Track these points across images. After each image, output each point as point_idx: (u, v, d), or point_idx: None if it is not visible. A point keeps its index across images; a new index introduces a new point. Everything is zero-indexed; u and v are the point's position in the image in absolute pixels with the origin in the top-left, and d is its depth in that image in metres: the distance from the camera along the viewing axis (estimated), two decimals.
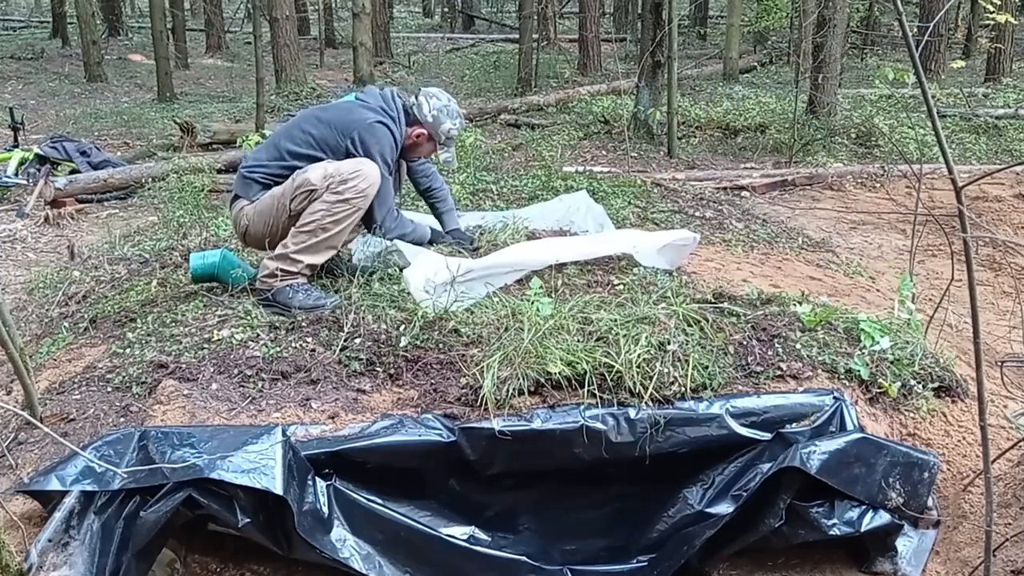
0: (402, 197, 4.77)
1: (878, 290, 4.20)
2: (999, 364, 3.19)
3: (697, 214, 4.80)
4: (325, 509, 2.46)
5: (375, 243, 3.43)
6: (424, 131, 3.42)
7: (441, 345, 2.86)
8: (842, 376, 2.81)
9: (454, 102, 3.50)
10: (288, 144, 3.25)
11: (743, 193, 6.24)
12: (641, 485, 2.74)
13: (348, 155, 3.20)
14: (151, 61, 13.19)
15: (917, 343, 2.96)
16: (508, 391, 2.62)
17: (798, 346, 2.90)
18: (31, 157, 7.13)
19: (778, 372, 2.79)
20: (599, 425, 2.61)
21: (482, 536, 2.70)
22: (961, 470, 2.73)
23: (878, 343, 2.91)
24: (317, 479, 2.47)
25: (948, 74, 11.91)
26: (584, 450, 2.61)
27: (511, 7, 24.23)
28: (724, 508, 2.60)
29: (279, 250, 3.14)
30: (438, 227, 3.74)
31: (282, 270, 3.11)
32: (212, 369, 2.77)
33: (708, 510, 2.64)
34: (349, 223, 3.13)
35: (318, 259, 3.16)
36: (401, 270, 3.28)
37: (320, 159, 3.19)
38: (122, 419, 2.59)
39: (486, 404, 2.60)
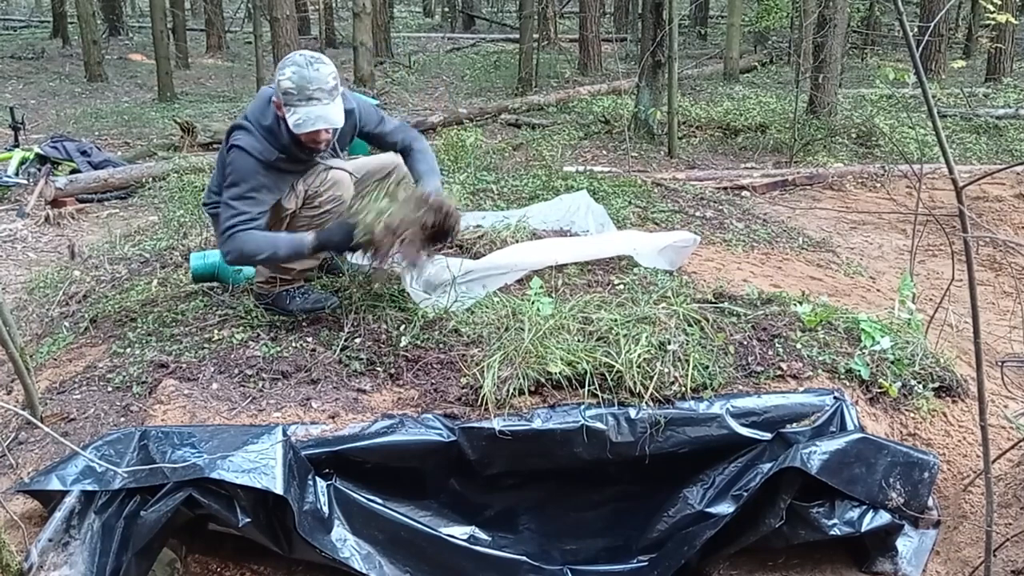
0: None
1: (878, 290, 4.19)
2: (999, 364, 3.18)
3: (697, 214, 4.79)
4: (325, 509, 2.46)
5: None
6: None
7: (441, 345, 2.87)
8: (842, 376, 2.81)
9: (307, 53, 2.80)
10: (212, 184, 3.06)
11: (743, 193, 6.23)
12: (641, 485, 2.75)
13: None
14: (151, 61, 13.17)
15: (917, 343, 2.96)
16: (508, 391, 2.62)
17: (798, 346, 2.90)
18: (31, 157, 7.13)
19: (778, 372, 2.80)
20: (599, 425, 2.61)
21: (482, 536, 2.70)
22: (961, 470, 2.73)
23: (878, 343, 2.91)
24: (317, 479, 2.47)
25: (948, 74, 11.91)
26: (584, 450, 2.61)
27: (511, 7, 24.22)
28: (724, 508, 2.61)
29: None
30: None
31: (278, 276, 3.11)
32: (212, 369, 2.78)
33: (708, 510, 2.64)
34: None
35: (309, 263, 3.16)
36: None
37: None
38: (122, 419, 2.59)
39: (486, 404, 2.60)
